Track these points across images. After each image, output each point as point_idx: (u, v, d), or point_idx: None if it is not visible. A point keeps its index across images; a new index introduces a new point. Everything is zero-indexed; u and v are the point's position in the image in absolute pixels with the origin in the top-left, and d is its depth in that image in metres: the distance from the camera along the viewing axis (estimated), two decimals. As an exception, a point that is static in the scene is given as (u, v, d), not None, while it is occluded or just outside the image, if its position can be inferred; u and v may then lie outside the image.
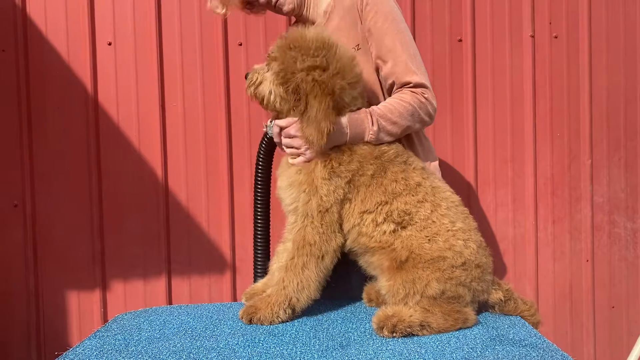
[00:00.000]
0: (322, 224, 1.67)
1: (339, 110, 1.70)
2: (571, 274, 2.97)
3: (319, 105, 1.61)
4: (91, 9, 2.63)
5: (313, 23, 2.00)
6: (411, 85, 1.85)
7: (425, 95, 1.85)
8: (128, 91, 2.66)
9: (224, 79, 2.69)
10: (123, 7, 2.65)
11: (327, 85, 1.63)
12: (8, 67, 2.60)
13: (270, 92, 1.72)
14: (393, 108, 1.80)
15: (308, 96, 1.63)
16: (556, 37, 2.92)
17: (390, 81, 1.89)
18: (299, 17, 2.06)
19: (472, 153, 2.85)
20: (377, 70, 1.93)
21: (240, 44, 2.72)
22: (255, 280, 2.07)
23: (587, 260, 2.96)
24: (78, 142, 2.64)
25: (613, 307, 3.01)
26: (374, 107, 1.79)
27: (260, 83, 1.74)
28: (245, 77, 1.79)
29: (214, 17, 2.67)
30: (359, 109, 1.76)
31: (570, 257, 2.96)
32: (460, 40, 2.85)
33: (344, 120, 1.71)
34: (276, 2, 1.94)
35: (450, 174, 2.77)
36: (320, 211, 1.67)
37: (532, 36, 2.89)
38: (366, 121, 1.73)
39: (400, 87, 1.87)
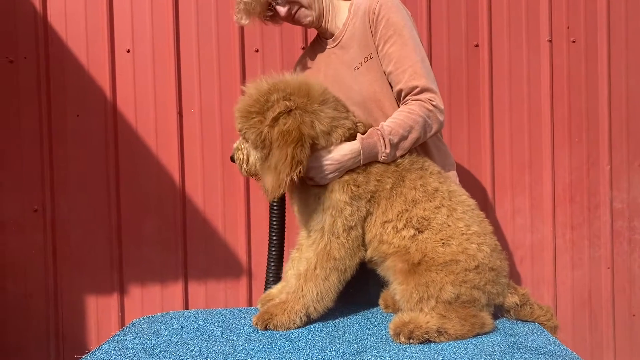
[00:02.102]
0: (348, 240, 1.69)
1: (326, 137, 1.69)
2: (590, 281, 2.92)
3: (280, 154, 1.60)
4: (110, 16, 2.67)
5: (332, 34, 2.04)
6: (418, 89, 1.85)
7: (433, 103, 1.85)
8: (146, 97, 2.70)
9: (241, 85, 2.70)
10: (141, 15, 2.69)
11: (292, 133, 1.60)
12: (29, 73, 2.65)
13: (259, 159, 1.70)
14: (402, 122, 1.80)
15: (272, 145, 1.63)
16: (574, 42, 2.89)
17: (398, 87, 1.89)
18: (318, 29, 2.09)
19: (489, 159, 2.83)
20: (388, 77, 1.94)
21: (257, 51, 2.74)
22: (266, 288, 2.08)
23: (608, 268, 2.91)
24: (97, 148, 2.68)
25: (634, 315, 2.95)
26: (383, 125, 1.79)
27: (248, 156, 1.73)
28: (232, 160, 1.78)
29: (230, 24, 2.70)
30: (351, 129, 1.75)
31: (589, 263, 2.92)
32: (476, 46, 2.83)
33: (357, 146, 1.71)
34: (295, 14, 1.98)
35: (467, 180, 2.75)
36: (345, 229, 1.69)
37: (550, 41, 2.87)
38: (379, 144, 1.74)
39: (408, 93, 1.87)
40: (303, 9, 1.97)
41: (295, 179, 1.61)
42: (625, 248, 2.94)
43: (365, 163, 1.74)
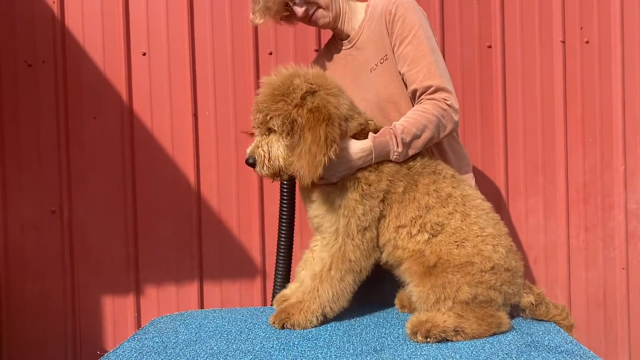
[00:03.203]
0: (363, 241, 1.70)
1: (345, 124, 1.68)
2: (605, 282, 2.92)
3: (313, 136, 1.58)
4: (126, 20, 2.71)
5: (348, 35, 2.05)
6: (432, 88, 1.85)
7: (448, 102, 1.84)
8: (162, 100, 2.73)
9: (255, 87, 2.73)
10: (157, 18, 2.72)
11: (322, 110, 1.60)
12: (47, 77, 2.69)
13: (283, 150, 1.65)
14: (415, 121, 1.79)
15: (304, 129, 1.60)
16: (587, 43, 2.89)
17: (413, 87, 1.89)
18: (334, 30, 2.10)
19: (503, 160, 2.83)
20: (403, 78, 1.94)
21: (271, 53, 2.76)
22: (274, 288, 2.09)
23: (623, 269, 2.90)
24: (113, 150, 2.71)
25: (649, 317, 2.94)
26: (396, 124, 1.79)
27: (270, 152, 1.66)
28: (249, 164, 1.69)
29: (245, 27, 2.73)
30: (362, 124, 1.75)
31: (603, 264, 2.91)
32: (489, 47, 2.84)
33: (368, 144, 1.72)
34: (312, 15, 1.98)
35: (480, 181, 2.75)
36: (359, 230, 1.69)
37: (563, 41, 2.87)
38: (391, 143, 1.74)
39: (423, 92, 1.87)
40: (320, 10, 1.96)
41: (334, 158, 1.60)
42: (640, 249, 2.93)
43: (376, 162, 1.74)
